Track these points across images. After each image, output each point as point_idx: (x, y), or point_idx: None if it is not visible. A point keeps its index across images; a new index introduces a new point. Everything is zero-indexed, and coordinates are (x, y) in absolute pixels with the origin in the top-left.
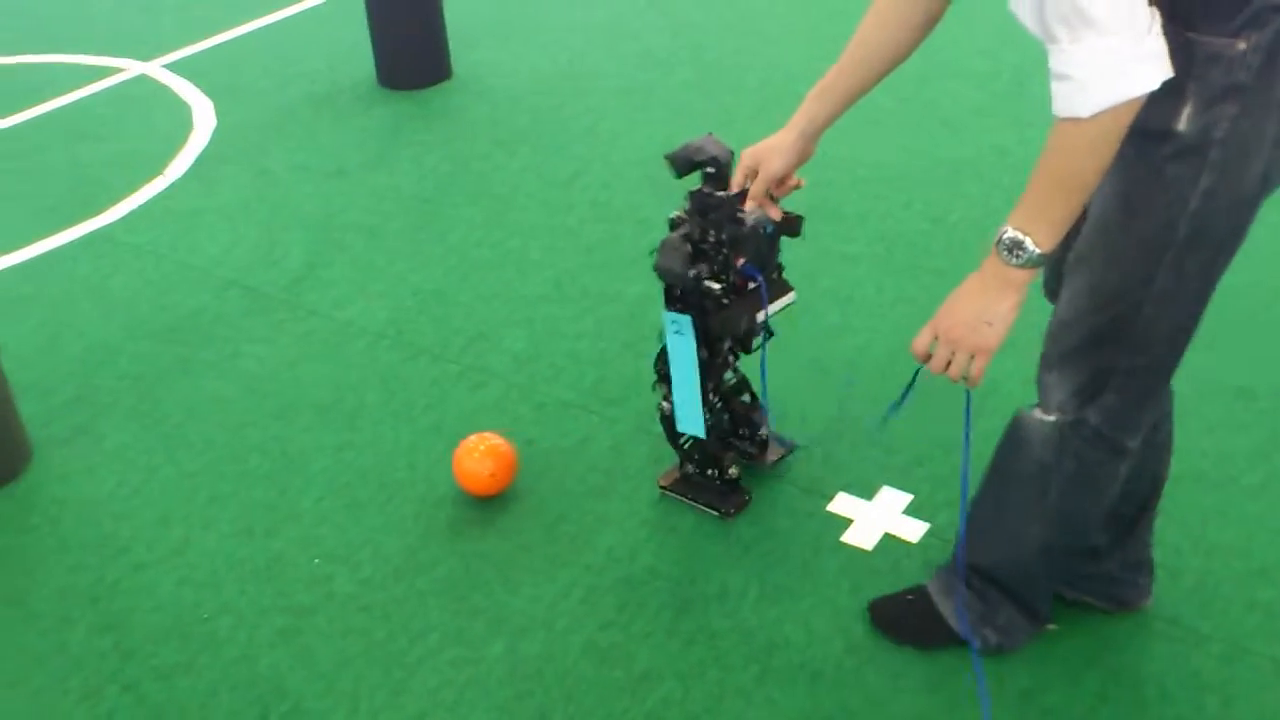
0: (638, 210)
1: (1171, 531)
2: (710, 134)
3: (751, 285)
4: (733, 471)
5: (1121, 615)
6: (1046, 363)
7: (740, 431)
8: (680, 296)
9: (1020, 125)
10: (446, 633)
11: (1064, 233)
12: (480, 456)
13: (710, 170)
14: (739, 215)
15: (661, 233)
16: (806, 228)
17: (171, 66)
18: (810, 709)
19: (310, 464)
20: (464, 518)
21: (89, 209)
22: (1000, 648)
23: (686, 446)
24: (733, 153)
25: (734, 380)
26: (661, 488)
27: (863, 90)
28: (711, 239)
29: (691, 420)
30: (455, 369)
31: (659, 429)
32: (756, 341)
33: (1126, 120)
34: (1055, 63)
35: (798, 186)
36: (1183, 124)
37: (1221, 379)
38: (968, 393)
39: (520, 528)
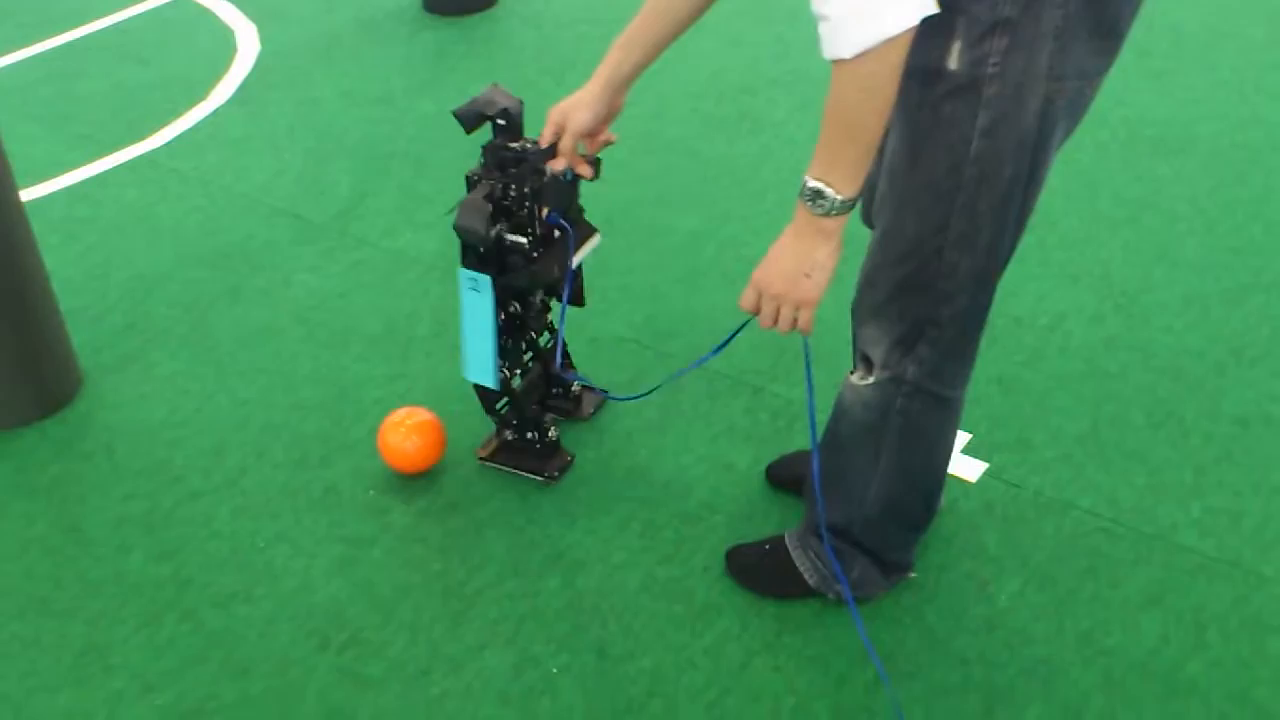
0: (688, 141)
1: (1233, 474)
2: (496, 84)
3: (558, 234)
4: (552, 433)
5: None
6: (859, 317)
7: (554, 390)
8: (481, 255)
9: None
10: (504, 565)
11: (862, 175)
12: (406, 432)
13: (501, 122)
14: (539, 166)
15: (712, 165)
16: None
17: None
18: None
19: (363, 394)
20: None
21: (133, 134)
22: (854, 601)
23: (504, 411)
24: (522, 103)
25: (550, 342)
26: (481, 459)
27: (668, 39)
28: (513, 193)
29: (481, 370)
30: None
31: (712, 365)
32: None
33: (895, 59)
34: (815, 3)
35: (609, 142)
36: (953, 62)
37: None
38: (805, 342)
39: (575, 462)
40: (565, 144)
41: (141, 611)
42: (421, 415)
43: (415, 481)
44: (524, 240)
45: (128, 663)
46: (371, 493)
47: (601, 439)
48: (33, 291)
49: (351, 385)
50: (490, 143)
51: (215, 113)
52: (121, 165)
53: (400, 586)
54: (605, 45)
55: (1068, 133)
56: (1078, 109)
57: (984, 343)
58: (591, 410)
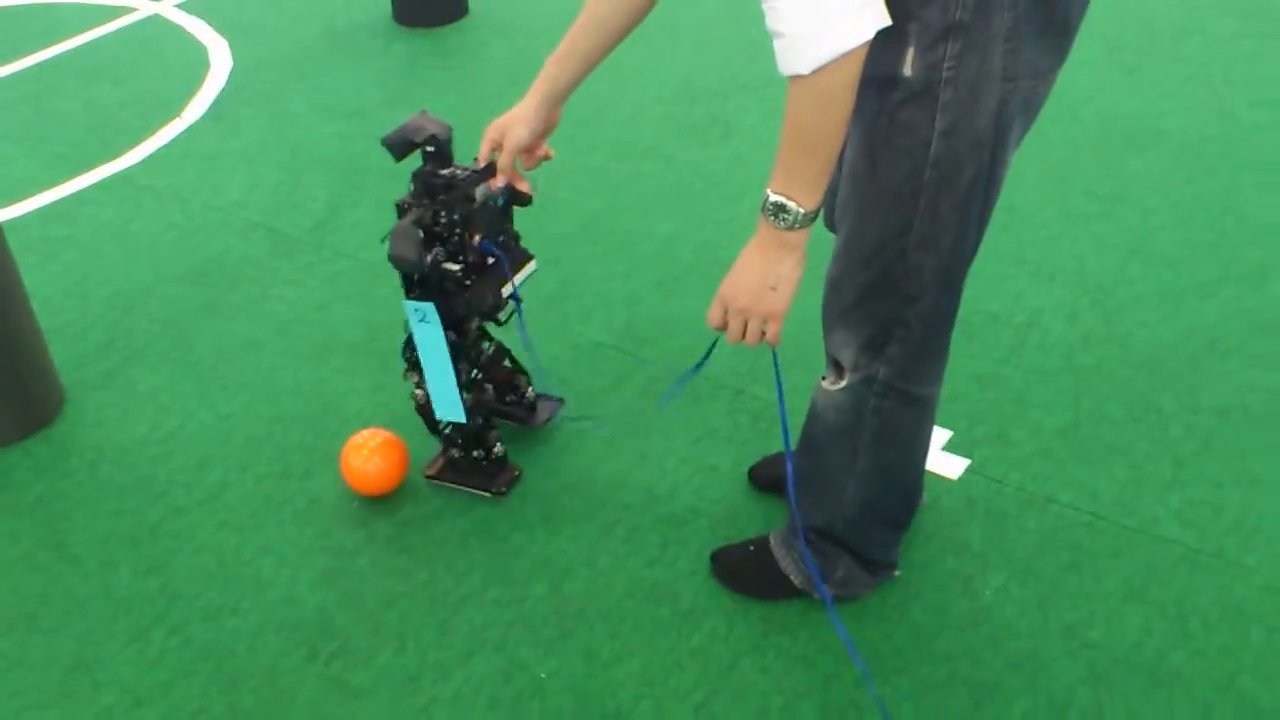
0: (663, 147)
1: (1213, 466)
2: (424, 111)
3: (491, 260)
4: (498, 449)
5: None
6: (827, 322)
7: (507, 399)
8: (419, 283)
9: None
10: (489, 572)
11: (823, 187)
12: (369, 454)
13: (430, 149)
14: (469, 193)
15: (686, 170)
16: None
17: (184, 6)
18: (855, 644)
19: (345, 406)
20: None
21: (108, 152)
22: (839, 599)
23: (448, 431)
24: (451, 129)
25: (491, 350)
26: (428, 477)
27: (604, 50)
28: (444, 220)
29: (449, 406)
30: None
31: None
32: (505, 313)
33: (852, 72)
34: (769, 20)
35: (547, 157)
36: (908, 68)
37: (1269, 315)
38: (774, 352)
39: (558, 468)
40: (504, 160)
41: (130, 626)
42: (379, 438)
43: (399, 491)
44: (456, 268)
45: (117, 678)
46: (355, 504)
47: (584, 444)
48: (12, 311)
49: (333, 397)
50: (420, 169)
51: (189, 129)
52: (97, 184)
53: (387, 595)
54: None
55: (1024, 130)
56: (1032, 107)
57: (962, 340)
58: (546, 417)
